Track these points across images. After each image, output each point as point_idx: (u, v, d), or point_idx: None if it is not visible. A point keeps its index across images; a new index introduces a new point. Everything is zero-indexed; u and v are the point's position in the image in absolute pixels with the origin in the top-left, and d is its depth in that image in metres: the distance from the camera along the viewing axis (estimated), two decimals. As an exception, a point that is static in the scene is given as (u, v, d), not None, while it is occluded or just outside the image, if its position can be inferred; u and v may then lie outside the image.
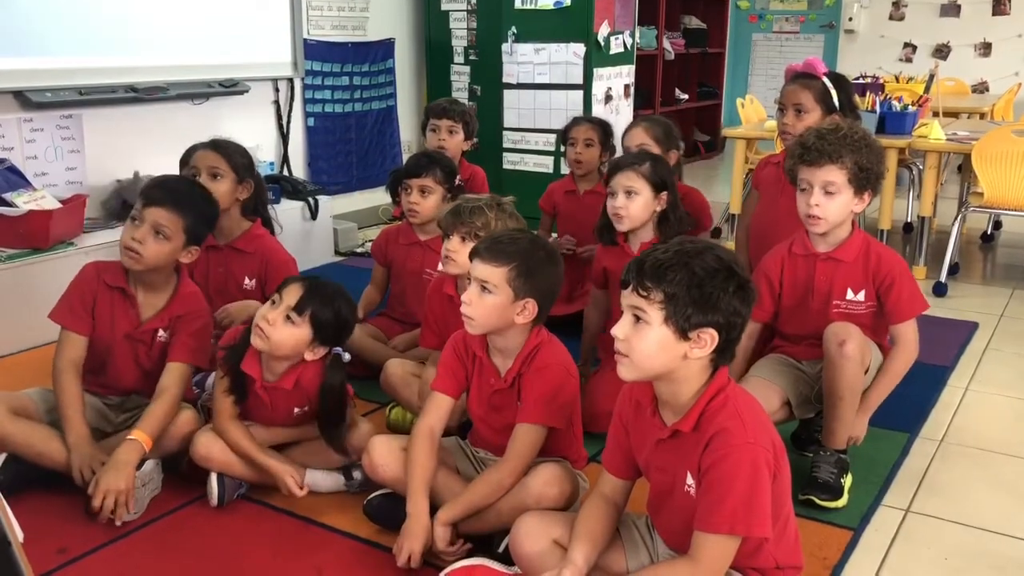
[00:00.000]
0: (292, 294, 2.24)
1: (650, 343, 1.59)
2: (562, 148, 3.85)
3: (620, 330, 1.62)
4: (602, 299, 2.93)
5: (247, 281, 2.95)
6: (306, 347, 2.25)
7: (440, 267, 2.54)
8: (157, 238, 2.34)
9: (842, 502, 2.33)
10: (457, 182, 3.11)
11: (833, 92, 2.98)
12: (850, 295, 2.43)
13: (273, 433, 2.37)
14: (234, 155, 2.90)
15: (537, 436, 2.04)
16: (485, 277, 2.02)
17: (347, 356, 2.32)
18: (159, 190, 2.39)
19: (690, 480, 1.65)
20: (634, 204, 2.68)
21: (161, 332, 2.43)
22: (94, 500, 2.14)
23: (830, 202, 2.36)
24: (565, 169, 4.72)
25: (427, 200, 3.04)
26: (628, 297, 1.62)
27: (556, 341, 2.12)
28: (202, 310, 2.48)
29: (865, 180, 2.37)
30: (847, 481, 2.37)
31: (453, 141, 3.79)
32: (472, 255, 2.08)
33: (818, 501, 2.31)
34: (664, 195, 2.71)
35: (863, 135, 2.41)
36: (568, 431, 2.14)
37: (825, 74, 3.03)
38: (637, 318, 1.60)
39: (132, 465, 2.20)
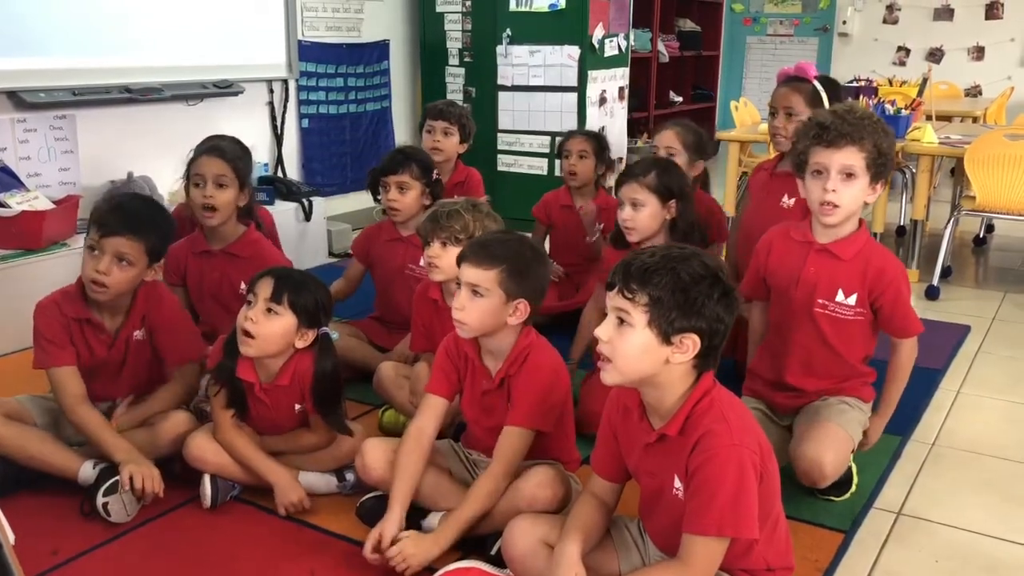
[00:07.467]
0: (265, 287, 2.23)
1: (633, 346, 1.59)
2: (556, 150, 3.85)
3: (603, 331, 1.63)
4: (603, 299, 2.91)
5: (243, 286, 2.92)
6: (295, 335, 2.25)
7: (428, 274, 2.55)
8: (121, 265, 2.29)
9: (854, 488, 2.40)
10: (435, 176, 3.11)
11: (824, 95, 2.99)
12: (840, 297, 2.29)
13: (272, 443, 2.36)
14: (238, 161, 2.84)
15: (524, 440, 2.04)
16: (476, 281, 2.01)
17: (335, 334, 2.36)
18: (115, 216, 2.31)
19: (678, 483, 1.65)
20: (640, 216, 2.68)
21: (136, 333, 2.43)
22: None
23: (847, 188, 2.18)
24: (559, 172, 4.73)
25: (406, 196, 3.04)
26: (613, 299, 1.63)
27: (545, 342, 2.12)
28: (163, 295, 2.46)
29: (882, 167, 2.20)
30: (854, 467, 2.41)
31: (448, 143, 3.79)
32: (460, 260, 2.07)
33: (836, 499, 2.35)
34: (673, 203, 2.69)
35: (879, 118, 2.24)
36: (560, 433, 2.14)
37: (816, 78, 3.05)
38: (621, 320, 1.61)
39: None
